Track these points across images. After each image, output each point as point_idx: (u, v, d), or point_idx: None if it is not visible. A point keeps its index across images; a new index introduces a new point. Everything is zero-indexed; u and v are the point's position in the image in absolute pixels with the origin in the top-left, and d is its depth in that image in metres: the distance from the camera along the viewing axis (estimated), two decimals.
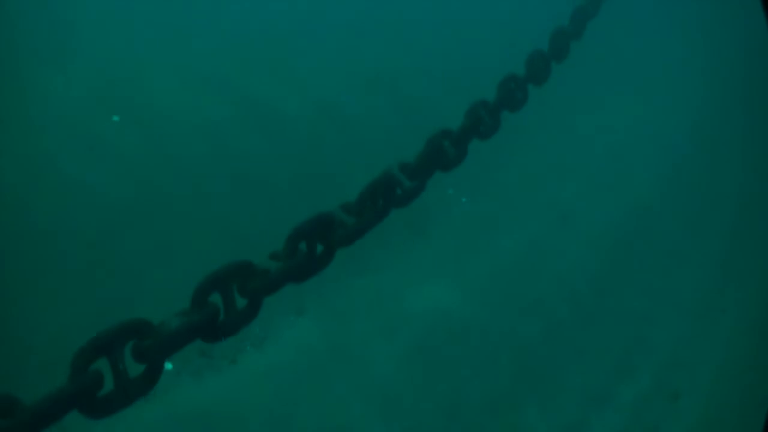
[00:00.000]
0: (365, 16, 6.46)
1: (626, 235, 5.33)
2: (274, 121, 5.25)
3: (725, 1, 7.28)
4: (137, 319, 2.42)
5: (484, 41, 6.62)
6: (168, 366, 3.97)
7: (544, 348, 4.41)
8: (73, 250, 3.94)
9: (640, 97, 6.82)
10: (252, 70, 5.58)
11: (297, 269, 2.63)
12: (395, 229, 4.58)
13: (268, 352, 4.14)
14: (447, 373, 4.17)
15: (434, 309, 4.48)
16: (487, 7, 6.90)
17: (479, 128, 3.28)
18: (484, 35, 6.71)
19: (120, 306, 3.59)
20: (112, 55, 5.12)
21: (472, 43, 6.66)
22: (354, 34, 6.29)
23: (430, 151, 3.00)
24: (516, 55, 3.95)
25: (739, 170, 5.84)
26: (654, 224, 5.43)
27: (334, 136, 5.32)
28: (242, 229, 4.41)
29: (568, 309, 4.64)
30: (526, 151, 5.92)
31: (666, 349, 4.50)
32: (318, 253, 2.68)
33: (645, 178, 5.87)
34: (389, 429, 3.89)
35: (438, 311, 4.46)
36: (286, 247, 2.63)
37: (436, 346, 4.27)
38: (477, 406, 4.07)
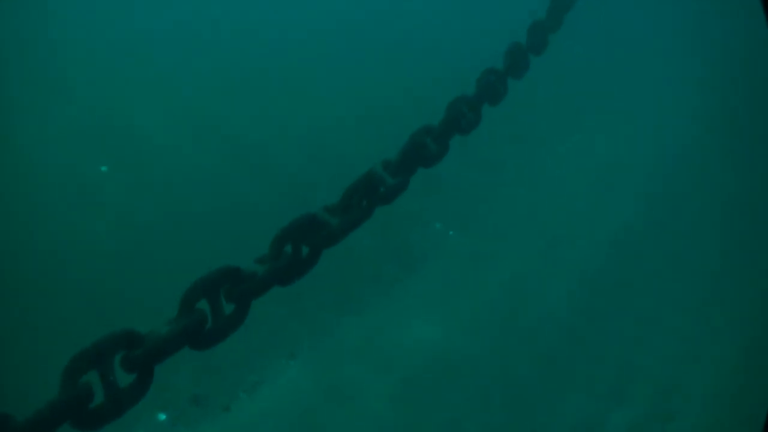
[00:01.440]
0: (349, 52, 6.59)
1: (613, 261, 5.36)
2: (262, 160, 5.33)
3: (708, 20, 7.46)
4: (125, 329, 2.42)
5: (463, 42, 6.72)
6: (161, 417, 3.96)
7: (536, 379, 4.40)
8: (64, 296, 3.95)
9: (624, 120, 6.93)
10: (238, 112, 5.68)
11: (283, 271, 2.67)
12: (384, 266, 4.68)
13: (262, 398, 4.11)
14: (439, 409, 4.15)
15: (425, 345, 4.49)
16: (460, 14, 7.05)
17: (460, 123, 3.34)
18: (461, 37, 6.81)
19: None
20: (100, 102, 5.21)
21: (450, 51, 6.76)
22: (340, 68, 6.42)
23: (411, 147, 3.07)
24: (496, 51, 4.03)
25: (726, 191, 5.92)
26: (641, 248, 5.48)
27: (323, 175, 5.37)
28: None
29: (559, 338, 4.65)
30: (511, 182, 6.00)
31: (658, 373, 4.50)
32: (303, 254, 2.71)
33: (630, 202, 5.95)
34: None
35: (429, 347, 4.47)
36: (272, 250, 2.67)
37: (428, 383, 4.26)
38: None
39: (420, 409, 4.12)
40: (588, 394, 4.34)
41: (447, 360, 4.38)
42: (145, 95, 5.39)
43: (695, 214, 5.78)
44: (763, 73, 6.53)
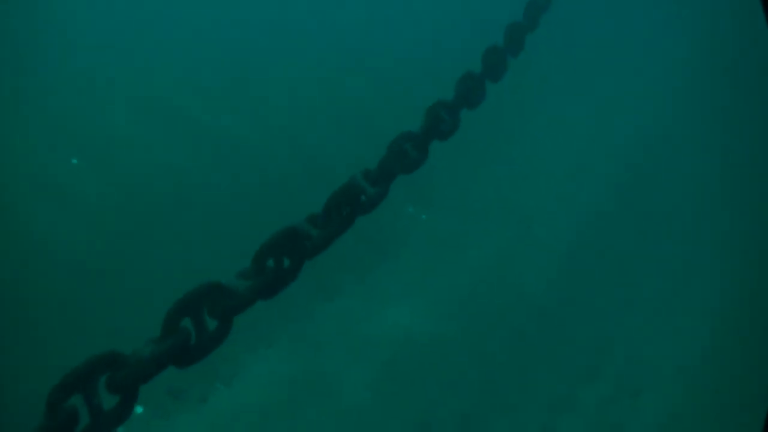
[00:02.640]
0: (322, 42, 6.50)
1: (585, 242, 5.44)
2: (235, 153, 5.25)
3: (680, 11, 7.48)
4: (109, 351, 2.40)
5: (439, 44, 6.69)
6: (138, 410, 3.95)
7: (510, 359, 4.48)
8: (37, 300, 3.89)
9: (598, 104, 6.96)
10: (210, 104, 5.58)
11: (266, 286, 2.65)
12: (359, 252, 4.68)
13: (239, 389, 4.13)
14: (417, 391, 4.21)
15: (401, 329, 4.54)
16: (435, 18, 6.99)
17: (439, 127, 3.33)
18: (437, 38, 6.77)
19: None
20: (70, 96, 5.07)
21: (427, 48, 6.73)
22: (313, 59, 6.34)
23: (391, 154, 3.05)
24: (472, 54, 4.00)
25: (697, 174, 6.00)
26: (613, 228, 5.55)
27: (297, 166, 5.33)
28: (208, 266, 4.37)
29: (532, 318, 4.73)
30: (484, 165, 6.02)
31: (627, 349, 4.59)
32: (286, 267, 2.70)
33: (603, 184, 6.01)
34: None
35: (405, 332, 4.52)
36: (254, 265, 2.65)
37: (406, 367, 4.32)
38: (447, 422, 4.11)
39: (397, 392, 4.18)
40: (559, 371, 4.43)
41: (423, 344, 4.44)
42: (117, 91, 5.24)
43: (669, 195, 5.86)
44: (746, 57, 6.60)
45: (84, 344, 2.75)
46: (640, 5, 7.66)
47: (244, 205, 4.82)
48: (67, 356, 2.46)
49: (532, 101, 6.58)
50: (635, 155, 6.32)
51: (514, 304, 4.79)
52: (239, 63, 5.95)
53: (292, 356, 4.30)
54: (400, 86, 6.13)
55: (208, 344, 2.58)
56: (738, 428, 3.81)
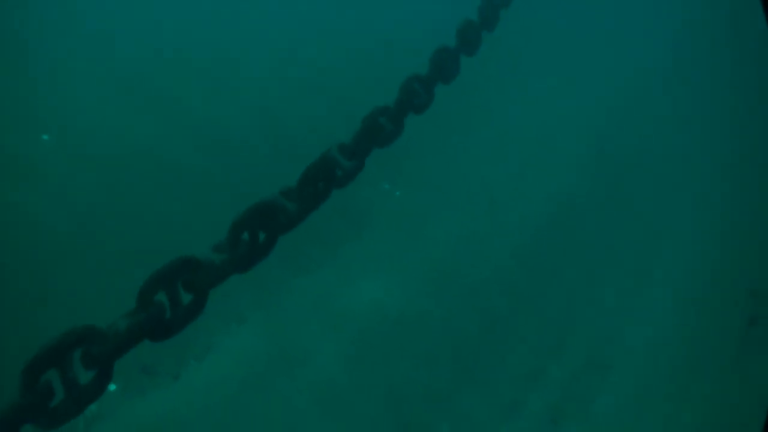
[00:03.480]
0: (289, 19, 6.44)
1: (555, 218, 5.48)
2: (206, 127, 5.20)
3: None
4: (84, 325, 2.38)
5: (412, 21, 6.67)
6: (111, 387, 3.93)
7: (480, 334, 4.54)
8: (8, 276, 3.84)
9: (570, 81, 7.00)
10: (181, 79, 5.50)
11: (241, 259, 2.65)
12: (333, 227, 4.68)
13: (211, 364, 4.12)
14: (389, 365, 4.25)
15: (374, 304, 4.55)
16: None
17: (414, 102, 3.33)
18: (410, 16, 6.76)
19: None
20: (41, 72, 4.99)
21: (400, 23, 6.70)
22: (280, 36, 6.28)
23: (366, 128, 3.05)
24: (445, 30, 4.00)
25: (664, 153, 6.07)
26: (582, 205, 5.61)
27: (269, 141, 5.29)
28: (181, 241, 4.33)
29: (503, 294, 4.78)
30: (458, 142, 6.04)
31: (596, 325, 4.66)
32: (260, 240, 2.69)
33: (571, 161, 6.06)
34: (335, 425, 3.91)
35: (377, 306, 4.54)
36: (229, 238, 2.64)
37: (378, 341, 4.34)
38: (419, 395, 4.17)
39: (369, 366, 4.20)
40: (530, 347, 4.50)
41: (395, 318, 4.46)
42: (88, 68, 5.15)
43: (636, 173, 5.92)
44: (719, 33, 6.68)
45: (57, 320, 2.74)
46: None
47: (218, 179, 4.80)
48: (41, 332, 2.44)
49: (503, 77, 6.60)
50: (605, 132, 6.38)
51: (486, 279, 4.84)
52: (210, 38, 5.88)
53: (264, 331, 4.30)
54: (376, 60, 6.10)
55: (182, 318, 2.58)
56: (706, 400, 3.90)
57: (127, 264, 3.82)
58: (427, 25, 5.61)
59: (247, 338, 4.25)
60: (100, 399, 2.50)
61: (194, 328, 4.04)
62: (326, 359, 4.20)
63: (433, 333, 4.43)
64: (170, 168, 4.75)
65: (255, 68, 5.89)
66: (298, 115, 5.61)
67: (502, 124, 6.37)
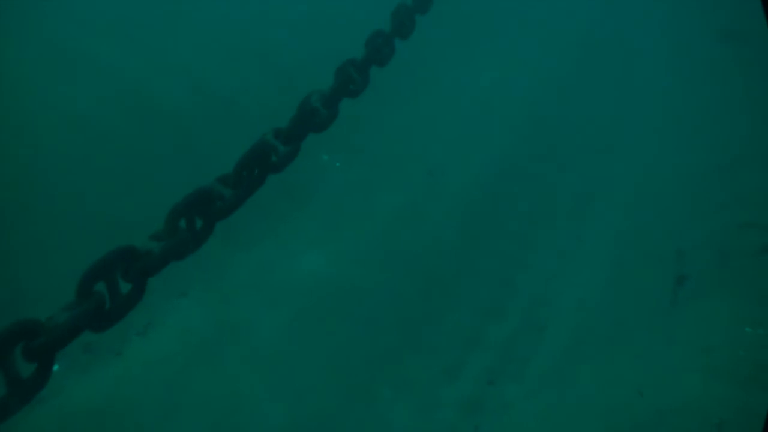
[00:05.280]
0: None
1: (492, 183, 5.60)
2: (149, 104, 5.11)
3: None
4: (24, 319, 2.40)
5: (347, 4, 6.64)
6: (54, 368, 3.92)
7: (421, 301, 4.63)
8: None
9: (504, 53, 7.05)
10: (124, 53, 5.37)
11: (178, 247, 2.68)
12: (272, 200, 4.69)
13: (154, 339, 4.13)
14: (333, 335, 4.32)
15: (315, 275, 4.61)
16: None
17: (349, 86, 3.36)
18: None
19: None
20: None
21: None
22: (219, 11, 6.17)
23: (302, 114, 3.07)
24: (382, 12, 4.00)
25: (595, 115, 6.20)
26: (515, 170, 5.72)
27: (212, 115, 5.23)
28: (124, 218, 4.28)
29: (441, 260, 4.88)
30: (395, 112, 6.07)
31: (532, 288, 4.80)
32: (198, 227, 2.72)
33: (508, 129, 6.15)
34: (280, 396, 3.99)
35: (320, 279, 4.59)
36: (166, 226, 2.67)
37: (320, 310, 4.41)
38: (362, 362, 4.25)
39: (313, 336, 4.27)
40: (469, 311, 4.62)
41: (338, 289, 4.52)
42: (22, 37, 4.97)
43: (569, 137, 6.04)
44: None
45: None
46: None
47: (156, 164, 4.73)
48: None
49: (437, 46, 6.61)
50: (539, 99, 6.48)
51: (426, 247, 4.92)
52: (152, 9, 5.74)
53: (206, 305, 4.32)
54: (315, 41, 6.06)
55: (122, 307, 2.61)
56: (635, 357, 4.06)
57: (61, 254, 3.81)
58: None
59: (188, 312, 4.26)
60: None
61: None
62: (269, 330, 4.25)
63: (374, 301, 4.51)
64: (107, 147, 4.67)
65: (198, 43, 5.78)
66: (241, 93, 5.55)
67: (439, 92, 6.42)
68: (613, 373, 3.97)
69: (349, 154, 5.59)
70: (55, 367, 3.85)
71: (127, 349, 4.07)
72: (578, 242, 5.08)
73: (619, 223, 5.12)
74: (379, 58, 3.59)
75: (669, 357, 3.91)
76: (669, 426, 3.51)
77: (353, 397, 4.06)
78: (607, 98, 6.32)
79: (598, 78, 6.60)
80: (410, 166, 5.62)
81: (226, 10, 6.15)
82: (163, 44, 5.57)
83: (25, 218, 4.03)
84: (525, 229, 5.20)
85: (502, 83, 6.64)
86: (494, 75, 6.75)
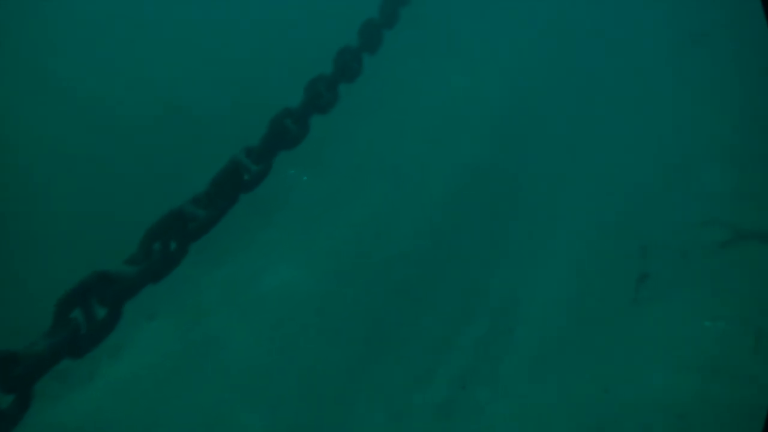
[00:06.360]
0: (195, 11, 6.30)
1: (458, 190, 5.61)
2: (116, 124, 5.06)
3: None
4: (1, 350, 2.38)
5: (314, 20, 6.65)
6: None
7: (392, 309, 4.64)
8: None
9: (471, 60, 7.10)
10: (91, 72, 5.32)
11: (153, 270, 2.68)
12: (241, 216, 4.66)
13: (126, 362, 4.12)
14: (306, 347, 4.33)
15: (287, 289, 4.62)
16: None
17: (319, 103, 3.39)
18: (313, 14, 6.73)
19: None
20: None
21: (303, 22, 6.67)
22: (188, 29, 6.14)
23: (273, 132, 3.10)
24: (349, 29, 4.04)
25: (561, 123, 6.28)
26: (483, 178, 5.73)
27: (180, 134, 5.21)
28: (96, 238, 4.24)
29: (410, 267, 4.90)
30: (362, 124, 6.08)
31: (500, 291, 4.84)
32: (172, 249, 2.73)
33: (472, 136, 6.17)
34: (254, 409, 4.00)
35: (290, 292, 4.60)
36: (141, 250, 2.66)
37: (292, 323, 4.42)
38: (336, 372, 4.27)
39: (286, 349, 4.28)
40: (439, 316, 4.64)
41: (309, 302, 4.54)
42: None
43: (536, 139, 6.09)
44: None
45: None
46: None
47: (123, 184, 4.70)
48: None
49: (403, 59, 6.63)
50: (505, 105, 6.52)
51: (395, 256, 4.94)
52: (116, 33, 5.70)
53: (178, 324, 4.31)
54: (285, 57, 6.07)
55: (99, 332, 2.60)
56: (600, 352, 4.15)
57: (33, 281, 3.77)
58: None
59: (160, 332, 4.25)
60: None
61: None
62: (240, 346, 4.26)
63: (345, 312, 4.53)
64: (77, 166, 4.62)
65: (165, 59, 5.74)
66: (207, 112, 5.53)
67: (404, 103, 6.45)
68: (579, 371, 4.06)
69: (316, 167, 5.60)
70: None
71: (99, 373, 4.04)
72: (545, 244, 5.13)
73: (584, 223, 5.17)
74: (348, 74, 3.63)
75: (633, 353, 4.02)
76: (633, 419, 3.64)
77: (328, 407, 4.08)
78: (572, 100, 6.41)
79: (563, 80, 6.69)
80: (378, 176, 5.65)
81: (193, 24, 6.12)
82: (128, 61, 5.53)
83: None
84: (493, 234, 5.23)
85: (466, 90, 6.69)
86: (459, 82, 6.79)
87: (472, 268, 4.96)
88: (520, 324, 4.59)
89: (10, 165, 4.41)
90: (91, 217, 4.41)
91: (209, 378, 4.09)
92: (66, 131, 4.80)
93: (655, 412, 3.62)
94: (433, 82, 6.74)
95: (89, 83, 5.20)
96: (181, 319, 4.35)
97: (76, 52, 5.36)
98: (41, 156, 4.57)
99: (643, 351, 4.01)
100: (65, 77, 5.12)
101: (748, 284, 4.21)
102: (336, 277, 4.73)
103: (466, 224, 5.29)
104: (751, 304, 4.07)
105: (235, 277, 4.67)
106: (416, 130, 6.19)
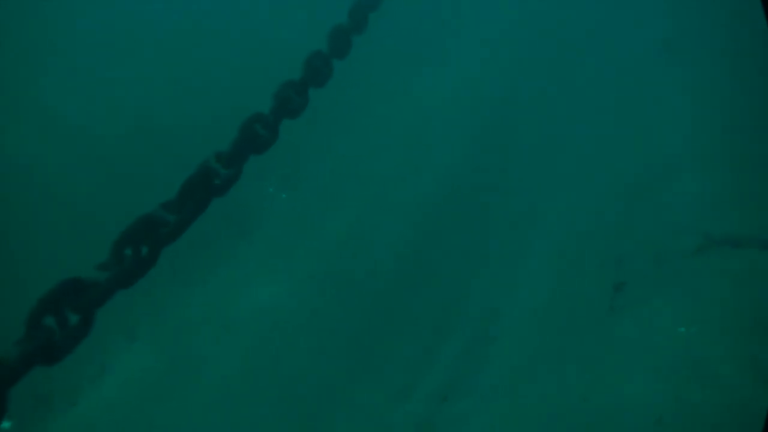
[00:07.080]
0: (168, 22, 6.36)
1: (437, 203, 5.64)
2: (84, 140, 5.09)
3: None
4: None
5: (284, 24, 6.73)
6: (5, 425, 3.83)
7: (372, 324, 4.67)
8: None
9: (444, 71, 7.15)
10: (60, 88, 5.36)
11: (125, 275, 2.69)
12: (219, 235, 4.72)
13: (108, 385, 4.11)
14: (286, 364, 4.34)
15: (266, 308, 4.63)
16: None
17: (288, 107, 3.44)
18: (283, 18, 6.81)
19: None
20: None
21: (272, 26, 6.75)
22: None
23: (243, 137, 3.14)
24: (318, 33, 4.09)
25: (537, 133, 6.34)
26: (460, 190, 5.77)
27: (150, 146, 5.24)
28: (68, 247, 4.25)
29: (388, 283, 4.92)
30: (337, 140, 6.12)
31: (479, 303, 4.86)
32: (143, 255, 2.74)
33: (449, 151, 6.19)
34: (236, 428, 4.00)
35: (270, 310, 4.61)
36: (112, 255, 2.68)
37: (271, 342, 4.43)
38: (315, 390, 4.29)
39: (267, 367, 4.29)
40: (421, 329, 4.66)
41: (288, 319, 4.56)
42: None
43: (509, 152, 6.14)
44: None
45: None
46: None
47: (98, 194, 4.72)
48: None
49: (377, 72, 6.71)
50: (480, 115, 6.57)
51: (374, 271, 4.97)
52: (86, 39, 5.75)
53: (158, 346, 4.32)
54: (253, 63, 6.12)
55: (72, 339, 2.60)
56: (579, 361, 4.16)
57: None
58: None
59: (140, 355, 4.25)
60: None
61: (85, 349, 4.04)
62: (221, 365, 4.26)
63: (324, 328, 4.55)
64: (42, 178, 4.64)
65: (135, 68, 5.79)
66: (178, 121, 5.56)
67: (380, 117, 6.49)
68: (558, 380, 4.07)
69: (294, 184, 5.63)
70: (7, 425, 3.81)
71: (82, 397, 4.03)
72: (523, 255, 5.16)
73: (561, 233, 5.21)
74: (317, 79, 3.68)
75: (610, 361, 4.04)
76: (611, 425, 3.65)
77: (309, 425, 4.08)
78: (546, 109, 6.47)
79: (539, 90, 6.76)
80: (355, 190, 5.68)
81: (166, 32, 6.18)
82: (97, 71, 5.57)
83: None
84: (471, 245, 5.27)
85: (442, 101, 6.75)
86: (435, 93, 6.85)
87: (451, 281, 4.98)
88: (500, 334, 4.60)
89: None
90: (61, 225, 4.43)
91: (191, 398, 4.09)
92: (34, 142, 4.83)
93: (632, 416, 3.64)
94: (406, 92, 6.80)
95: (58, 94, 5.24)
96: (162, 339, 4.35)
97: (46, 63, 5.40)
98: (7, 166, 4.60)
99: (620, 358, 4.03)
100: (42, 98, 5.16)
101: (720, 290, 4.25)
102: (316, 294, 4.75)
103: (444, 237, 5.33)
104: (725, 309, 4.11)
105: (214, 296, 4.69)
106: (393, 143, 6.23)
